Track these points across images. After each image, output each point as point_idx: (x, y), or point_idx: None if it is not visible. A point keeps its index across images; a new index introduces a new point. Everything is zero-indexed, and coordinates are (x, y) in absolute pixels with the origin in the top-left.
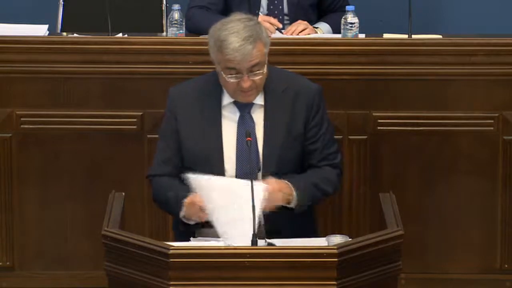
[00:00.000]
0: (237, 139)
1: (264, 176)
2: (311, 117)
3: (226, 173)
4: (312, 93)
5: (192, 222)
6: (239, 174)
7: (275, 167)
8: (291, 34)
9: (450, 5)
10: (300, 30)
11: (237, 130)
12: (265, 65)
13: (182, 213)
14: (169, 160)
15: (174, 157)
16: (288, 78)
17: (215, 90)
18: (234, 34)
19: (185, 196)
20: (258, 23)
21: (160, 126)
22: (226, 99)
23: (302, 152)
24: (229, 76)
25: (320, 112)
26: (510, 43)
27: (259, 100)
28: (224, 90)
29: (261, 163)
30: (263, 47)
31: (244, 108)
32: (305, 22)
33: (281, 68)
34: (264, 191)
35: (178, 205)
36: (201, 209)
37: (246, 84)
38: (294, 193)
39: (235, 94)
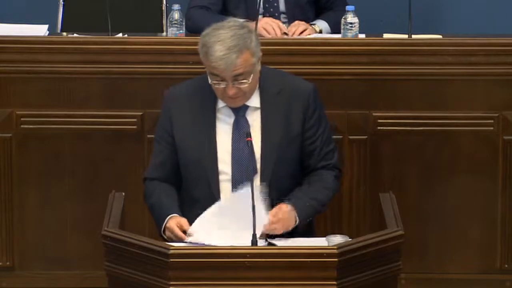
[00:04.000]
0: (232, 142)
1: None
2: (308, 117)
3: (221, 176)
4: (307, 93)
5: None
6: (235, 177)
7: (273, 168)
8: (292, 35)
9: (450, 5)
10: (300, 31)
11: (232, 132)
12: (252, 74)
13: (162, 231)
14: (162, 164)
15: (167, 160)
16: (282, 79)
17: (209, 93)
18: (220, 42)
19: (168, 214)
20: (250, 31)
21: (156, 128)
22: (221, 102)
23: (300, 152)
24: (214, 82)
25: (317, 111)
26: (510, 43)
27: (255, 102)
28: None
29: (257, 165)
30: (251, 56)
31: (239, 111)
32: (304, 23)
33: (277, 68)
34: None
35: (161, 220)
36: (180, 237)
37: (230, 91)
38: (297, 218)
39: (223, 99)
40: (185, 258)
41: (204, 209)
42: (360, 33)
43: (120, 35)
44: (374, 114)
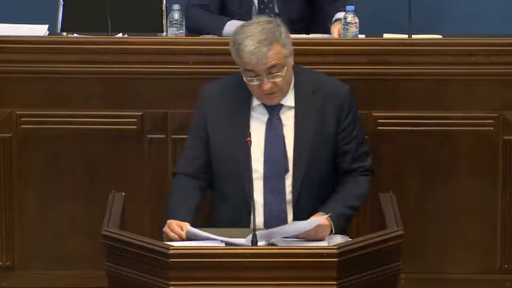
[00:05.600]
0: (265, 140)
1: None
2: (343, 118)
3: (253, 174)
4: (342, 94)
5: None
6: (267, 175)
7: (305, 168)
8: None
9: (450, 5)
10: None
11: (266, 131)
12: (286, 67)
13: (164, 229)
14: (194, 159)
15: (200, 156)
16: (318, 79)
17: (245, 91)
18: (250, 38)
19: (175, 216)
20: (278, 25)
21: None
22: (256, 100)
23: (333, 153)
24: (249, 78)
25: (352, 113)
26: (510, 43)
27: (289, 101)
28: None
29: (288, 164)
30: (282, 48)
31: (273, 110)
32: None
33: (309, 68)
34: (317, 224)
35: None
36: (175, 232)
37: (266, 86)
38: (333, 228)
39: (260, 97)
40: (185, 258)
41: (236, 205)
42: (360, 33)
43: (120, 35)
44: (374, 114)
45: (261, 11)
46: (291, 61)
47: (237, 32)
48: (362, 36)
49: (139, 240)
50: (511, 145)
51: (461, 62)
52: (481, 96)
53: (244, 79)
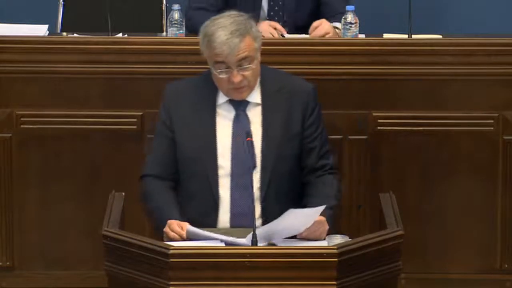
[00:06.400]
0: (232, 137)
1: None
2: (308, 116)
3: (219, 171)
4: (306, 92)
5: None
6: (234, 172)
7: (273, 164)
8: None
9: (450, 5)
10: (321, 35)
11: (232, 128)
12: (256, 60)
13: (164, 229)
14: (161, 160)
15: (166, 156)
16: (282, 78)
17: (210, 89)
18: (221, 29)
19: (169, 217)
20: (248, 18)
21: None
22: (221, 98)
23: (299, 151)
24: (219, 71)
25: (316, 111)
26: (510, 43)
27: (255, 98)
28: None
29: (256, 161)
30: (253, 41)
31: (239, 106)
32: (328, 24)
33: (277, 68)
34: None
35: (161, 222)
36: (176, 231)
37: (236, 78)
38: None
39: (229, 92)
40: (185, 258)
41: (202, 203)
42: (360, 33)
43: (120, 35)
44: (374, 114)
45: (270, 18)
46: (259, 56)
47: (207, 25)
48: (362, 36)
49: (139, 240)
50: (511, 145)
51: (461, 62)
52: (481, 96)
53: (213, 71)
